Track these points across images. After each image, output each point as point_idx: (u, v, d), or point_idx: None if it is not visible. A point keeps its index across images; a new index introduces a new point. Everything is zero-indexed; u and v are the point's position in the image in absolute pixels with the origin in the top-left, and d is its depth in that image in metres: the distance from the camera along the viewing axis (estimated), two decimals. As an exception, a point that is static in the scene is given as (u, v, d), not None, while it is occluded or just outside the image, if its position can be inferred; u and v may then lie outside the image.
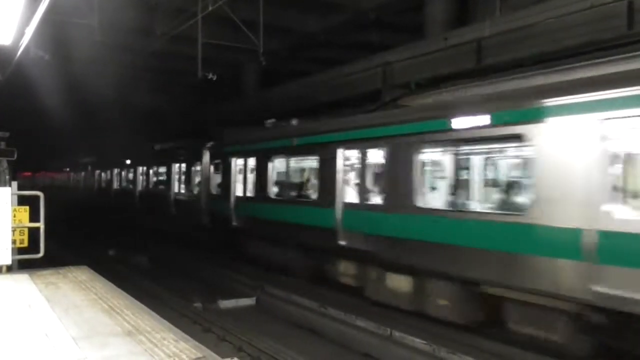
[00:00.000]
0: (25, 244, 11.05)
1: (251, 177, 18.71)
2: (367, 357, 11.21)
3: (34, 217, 11.03)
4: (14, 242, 10.81)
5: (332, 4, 23.77)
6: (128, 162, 34.13)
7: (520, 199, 10.26)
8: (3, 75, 16.57)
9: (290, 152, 16.94)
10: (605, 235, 8.02)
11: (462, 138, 10.90)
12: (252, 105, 31.79)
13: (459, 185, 11.80)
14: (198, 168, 23.39)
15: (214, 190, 21.64)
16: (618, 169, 8.31)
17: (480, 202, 11.48)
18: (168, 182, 26.73)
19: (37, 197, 10.92)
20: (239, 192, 19.35)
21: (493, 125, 10.00)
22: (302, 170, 17.76)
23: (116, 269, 18.72)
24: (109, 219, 36.00)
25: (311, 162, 16.49)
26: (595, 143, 8.26)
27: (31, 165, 65.76)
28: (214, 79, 21.40)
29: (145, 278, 18.11)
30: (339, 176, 14.11)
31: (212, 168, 22.13)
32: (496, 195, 11.18)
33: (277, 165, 17.66)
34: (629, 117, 7.99)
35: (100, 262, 17.55)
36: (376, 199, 13.25)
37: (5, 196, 10.49)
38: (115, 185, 36.98)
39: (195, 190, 23.59)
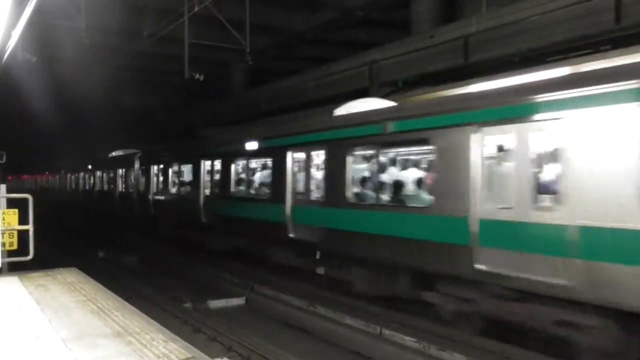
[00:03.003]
0: (15, 247, 11.04)
1: (316, 175, 14.96)
2: (356, 355, 11.23)
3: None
4: (3, 244, 10.81)
5: (318, 2, 23.85)
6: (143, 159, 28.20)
7: None
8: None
9: (380, 141, 12.66)
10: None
11: None
12: (240, 105, 31.88)
13: None
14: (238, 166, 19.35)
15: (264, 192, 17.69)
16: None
17: None
18: (194, 186, 21.81)
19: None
20: (298, 193, 15.49)
21: None
22: (404, 163, 13.97)
23: (106, 269, 18.68)
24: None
25: (421, 153, 13.08)
26: None
27: (20, 168, 65.41)
28: (201, 79, 21.41)
29: (135, 278, 18.09)
30: (475, 170, 9.97)
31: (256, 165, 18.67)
32: None
33: (358, 160, 13.82)
34: None
35: (90, 264, 17.55)
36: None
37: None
38: (121, 188, 31.34)
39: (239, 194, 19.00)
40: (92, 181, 38.52)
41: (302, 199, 15.20)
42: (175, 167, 24.11)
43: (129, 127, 43.67)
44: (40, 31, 18.86)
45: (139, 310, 8.53)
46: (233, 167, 19.10)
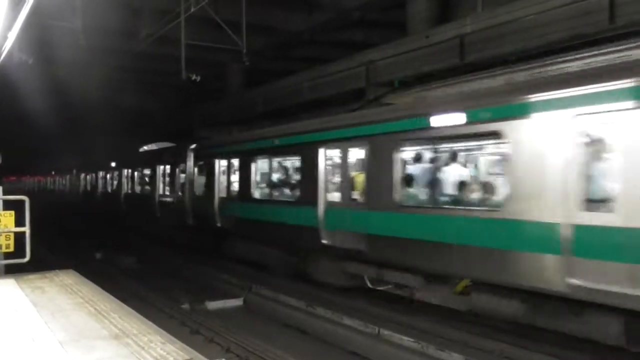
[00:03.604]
0: (11, 249, 11.01)
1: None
2: (355, 355, 11.24)
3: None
4: (-1, 247, 10.80)
5: (315, 3, 23.86)
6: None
7: None
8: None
9: None
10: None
11: None
12: (237, 105, 31.92)
13: None
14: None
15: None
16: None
17: None
18: (305, 188, 15.16)
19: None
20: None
21: None
22: None
23: (103, 271, 18.66)
24: None
25: None
26: None
27: (20, 169, 65.45)
28: (198, 80, 21.34)
29: (133, 280, 18.07)
30: None
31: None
32: None
33: None
34: None
35: (88, 265, 17.59)
36: None
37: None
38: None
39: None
40: (114, 182, 32.73)
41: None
42: (263, 161, 17.71)
43: (129, 127, 43.58)
44: (37, 32, 18.83)
45: (136, 311, 8.52)
46: (396, 157, 11.90)
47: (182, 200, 22.39)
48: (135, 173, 29.42)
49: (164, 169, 25.27)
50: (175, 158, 23.56)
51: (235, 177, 18.85)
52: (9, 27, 11.19)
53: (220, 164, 19.72)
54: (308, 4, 24.28)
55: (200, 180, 21.35)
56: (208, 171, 20.50)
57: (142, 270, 20.34)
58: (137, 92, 38.99)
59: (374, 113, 13.79)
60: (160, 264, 21.17)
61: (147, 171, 27.62)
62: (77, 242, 28.07)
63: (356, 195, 13.35)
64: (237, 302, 15.44)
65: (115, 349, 6.58)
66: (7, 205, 11.27)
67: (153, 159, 26.71)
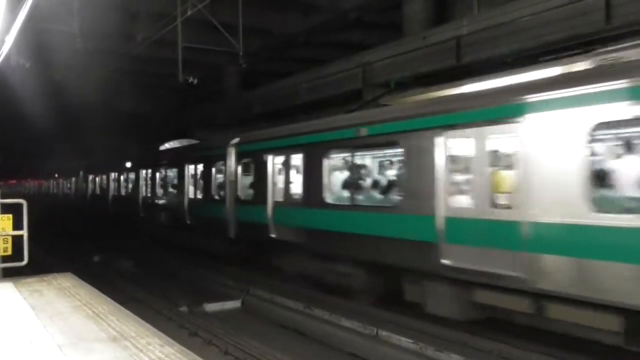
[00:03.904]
0: (9, 252, 11.00)
1: None
2: (353, 357, 11.23)
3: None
4: (-3, 250, 10.79)
5: (312, 4, 23.90)
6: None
7: None
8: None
9: None
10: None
11: None
12: (234, 107, 31.97)
13: None
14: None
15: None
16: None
17: None
18: (413, 188, 11.59)
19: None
20: None
21: None
22: None
23: (101, 274, 18.64)
24: None
25: None
26: None
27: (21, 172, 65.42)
28: (195, 82, 21.34)
29: (131, 282, 18.05)
30: None
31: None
32: None
33: None
34: None
35: (86, 268, 17.58)
36: None
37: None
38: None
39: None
40: (130, 185, 29.70)
41: None
42: (342, 156, 14.29)
43: (127, 129, 43.51)
44: (34, 36, 18.82)
45: (134, 314, 8.52)
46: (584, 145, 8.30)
47: (221, 205, 19.21)
48: (157, 174, 26.29)
49: (195, 168, 22.07)
50: (210, 156, 20.48)
51: (297, 177, 15.47)
52: (6, 30, 11.19)
53: (275, 162, 16.29)
54: (305, 6, 24.32)
55: (246, 182, 18.11)
56: (257, 170, 17.18)
57: (140, 273, 20.32)
58: (135, 95, 39.05)
59: (533, 86, 9.47)
60: (159, 267, 21.14)
61: (171, 172, 24.50)
62: (79, 244, 27.99)
63: (503, 199, 9.74)
64: (235, 304, 15.41)
65: (114, 351, 6.58)
66: (7, 209, 11.25)
67: (180, 158, 23.42)
